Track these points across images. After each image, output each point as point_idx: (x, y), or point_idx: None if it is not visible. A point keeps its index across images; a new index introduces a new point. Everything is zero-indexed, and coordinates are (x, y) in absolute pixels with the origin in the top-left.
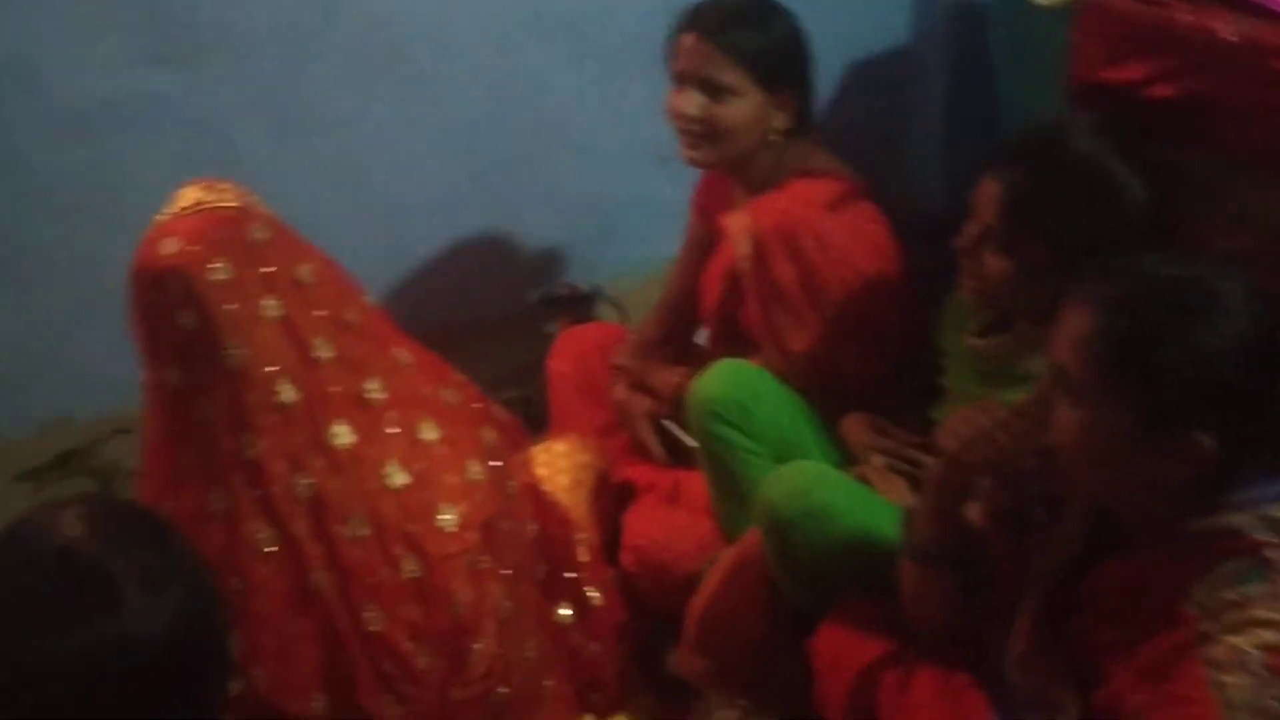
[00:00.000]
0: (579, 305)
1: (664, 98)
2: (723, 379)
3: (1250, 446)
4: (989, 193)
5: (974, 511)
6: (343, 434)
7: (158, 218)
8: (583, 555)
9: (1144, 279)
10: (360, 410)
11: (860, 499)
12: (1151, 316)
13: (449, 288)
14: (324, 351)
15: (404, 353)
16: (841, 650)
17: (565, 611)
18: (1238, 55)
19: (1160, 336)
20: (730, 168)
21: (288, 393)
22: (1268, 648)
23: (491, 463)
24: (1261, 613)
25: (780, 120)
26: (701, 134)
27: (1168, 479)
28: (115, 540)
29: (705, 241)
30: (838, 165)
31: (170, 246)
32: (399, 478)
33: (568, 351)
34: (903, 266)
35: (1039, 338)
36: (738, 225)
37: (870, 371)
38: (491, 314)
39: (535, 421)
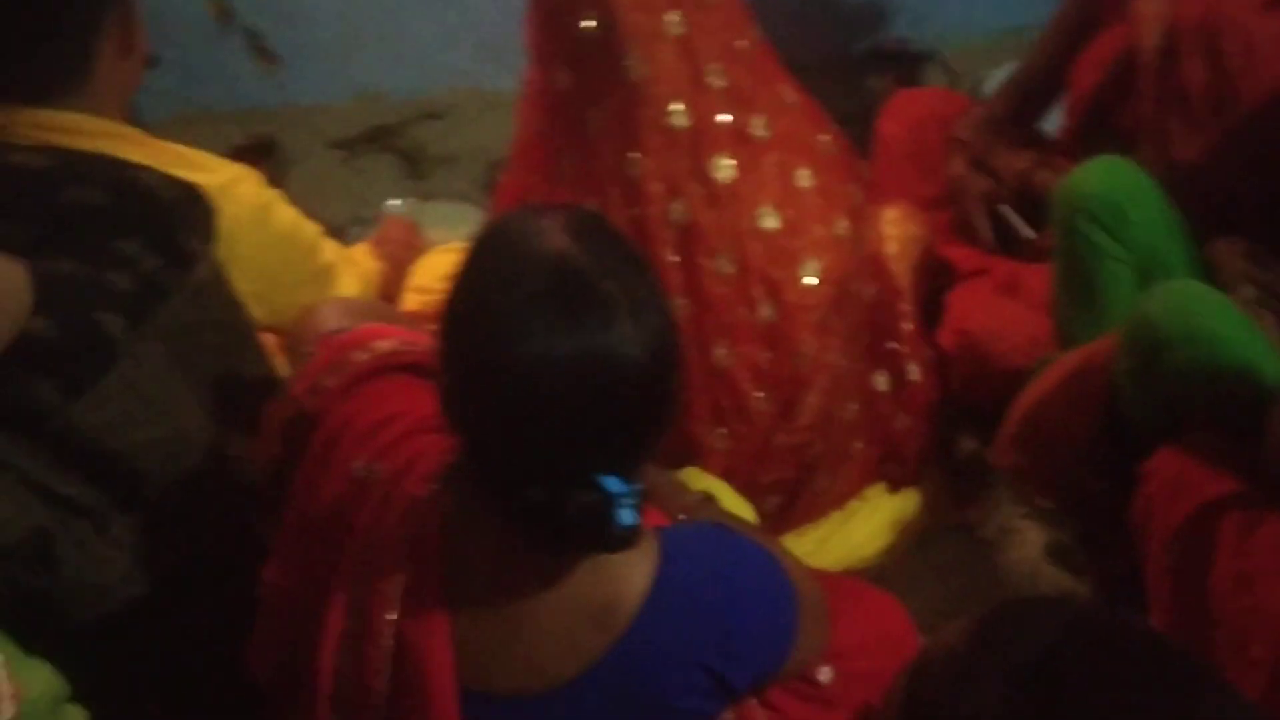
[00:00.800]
0: (908, 63)
1: None
2: (1103, 176)
3: None
4: None
5: None
6: (725, 167)
7: None
8: (906, 327)
9: None
10: (744, 145)
11: (1245, 331)
12: None
13: (773, 20)
14: (716, 79)
15: (789, 91)
16: (1184, 478)
17: (882, 380)
18: None
19: None
20: None
21: (679, 116)
22: None
23: (856, 221)
24: None
25: None
26: None
27: None
28: (605, 260)
29: (1085, 20)
30: None
31: None
32: (771, 220)
33: (903, 114)
34: None
35: None
36: (1151, 10)
37: (1263, 200)
38: (810, 58)
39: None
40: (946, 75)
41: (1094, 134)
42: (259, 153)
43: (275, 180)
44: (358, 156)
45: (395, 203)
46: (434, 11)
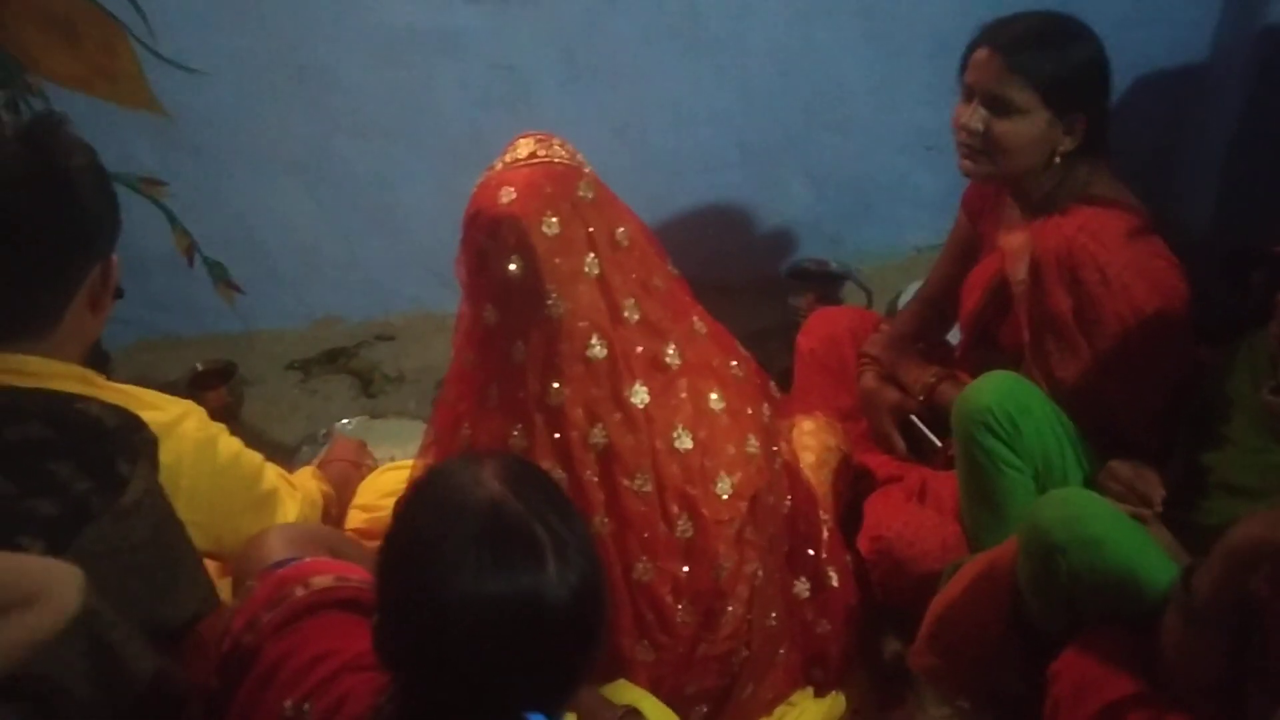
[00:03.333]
0: (827, 283)
1: (943, 89)
2: (997, 390)
3: None
4: None
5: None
6: (640, 393)
7: (494, 165)
8: (824, 535)
9: None
10: (658, 373)
11: (1129, 534)
12: None
13: (703, 246)
14: (632, 313)
15: (699, 322)
16: (1087, 680)
17: (803, 586)
18: None
19: None
20: (1006, 183)
21: (598, 348)
22: None
23: (766, 438)
24: None
25: (1067, 143)
26: (980, 149)
27: None
28: (535, 506)
29: (969, 244)
30: (1125, 194)
31: (508, 195)
32: (685, 441)
33: (819, 330)
34: (1187, 307)
35: None
36: (1016, 244)
37: (1139, 409)
38: (738, 278)
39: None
40: (863, 292)
41: (981, 347)
42: (218, 376)
43: (233, 403)
44: (313, 377)
45: (345, 422)
46: (387, 242)
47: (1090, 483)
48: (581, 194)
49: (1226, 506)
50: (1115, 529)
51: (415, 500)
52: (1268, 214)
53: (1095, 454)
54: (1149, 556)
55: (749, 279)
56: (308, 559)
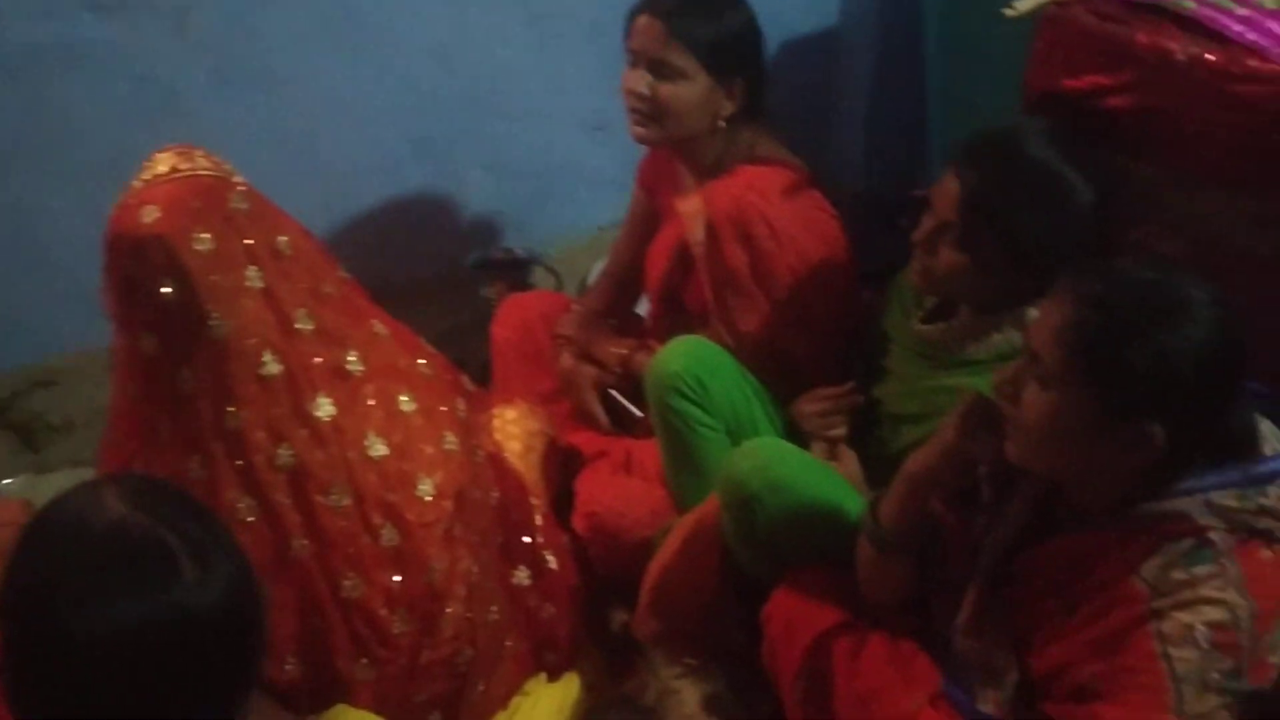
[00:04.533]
0: (515, 270)
1: (605, 69)
2: (683, 355)
3: (1197, 440)
4: (948, 191)
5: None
6: (324, 405)
7: (133, 184)
8: (538, 520)
9: (1123, 280)
10: (341, 382)
11: (817, 474)
12: (1124, 315)
13: (386, 247)
14: (305, 323)
15: (379, 324)
16: (795, 617)
17: (522, 574)
18: (1188, 74)
19: (1129, 334)
20: (676, 148)
21: (272, 364)
22: (1213, 624)
23: (464, 433)
24: (1208, 591)
25: (728, 107)
26: (648, 113)
27: (1119, 463)
28: (164, 516)
29: (649, 216)
30: (786, 153)
31: (151, 214)
32: (379, 448)
33: (512, 319)
34: (848, 253)
35: (982, 325)
36: (691, 208)
37: (814, 352)
38: (427, 275)
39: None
40: (552, 276)
41: (670, 314)
42: None
43: None
44: None
45: (7, 482)
46: (34, 279)
47: (781, 434)
48: (234, 205)
49: (900, 435)
50: (804, 472)
51: (30, 540)
52: (908, 163)
53: (780, 405)
54: (839, 493)
55: (438, 275)
56: None
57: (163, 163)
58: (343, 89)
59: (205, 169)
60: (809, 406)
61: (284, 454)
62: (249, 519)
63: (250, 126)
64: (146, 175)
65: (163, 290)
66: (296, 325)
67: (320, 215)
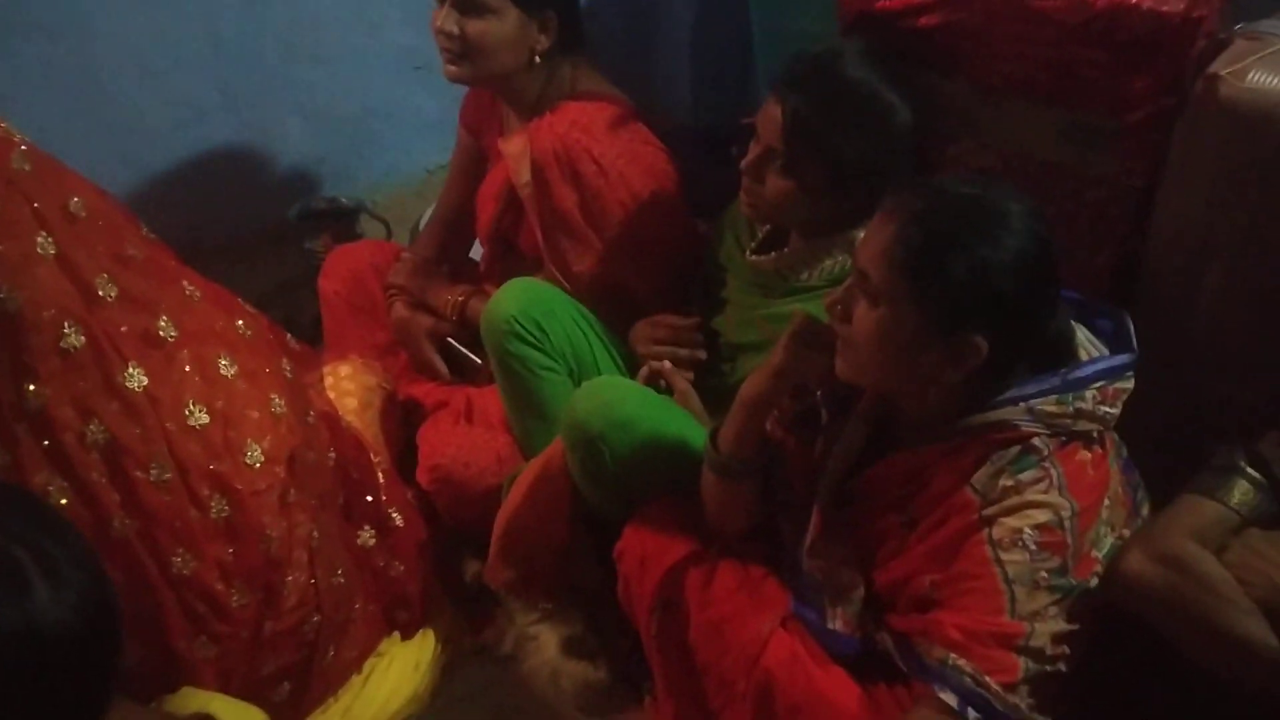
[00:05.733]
0: (341, 220)
1: (422, 6)
2: (518, 297)
3: (1019, 349)
4: (772, 116)
5: (769, 420)
6: (135, 376)
7: None
8: (380, 478)
9: (943, 196)
10: (152, 350)
11: (658, 408)
12: (945, 229)
13: (198, 205)
14: (107, 290)
15: (191, 286)
16: (646, 551)
17: (368, 534)
18: None
19: (950, 248)
20: (495, 86)
21: (73, 336)
22: (1039, 526)
23: (292, 394)
24: (1033, 495)
25: (543, 41)
26: (460, 52)
27: (946, 375)
28: (10, 528)
29: (475, 159)
30: (609, 87)
31: None
32: (200, 416)
33: (340, 270)
34: (679, 186)
35: (813, 251)
36: (515, 149)
37: (652, 288)
38: (246, 231)
39: (301, 342)
40: (380, 224)
41: (503, 257)
42: None
43: None
44: None
45: None
46: None
47: (623, 372)
48: (16, 166)
49: (740, 364)
50: (645, 407)
51: None
52: (737, 92)
53: (620, 341)
54: (682, 426)
55: (259, 231)
56: None
57: None
58: (140, 38)
59: None
60: (647, 330)
61: (95, 430)
62: (63, 501)
63: (36, 80)
64: None
65: None
66: (99, 293)
67: (119, 173)
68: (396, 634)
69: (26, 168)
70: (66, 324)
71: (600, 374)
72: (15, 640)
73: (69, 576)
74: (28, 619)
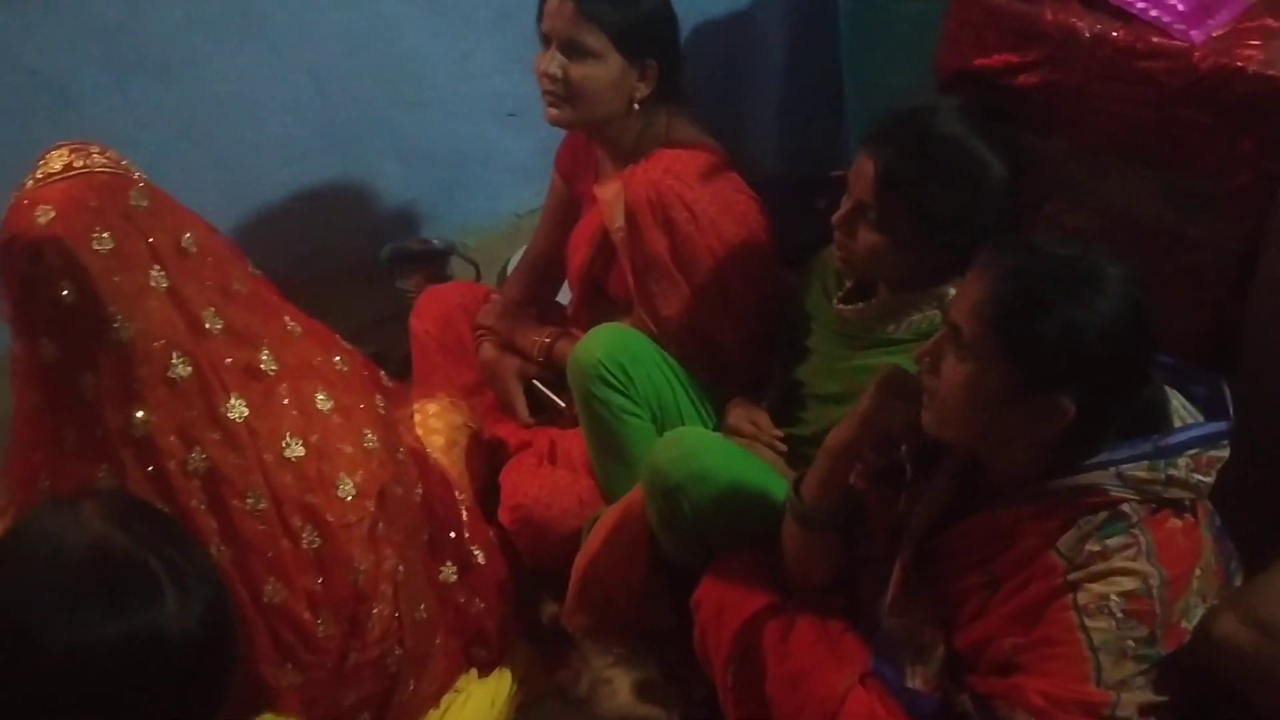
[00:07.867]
0: (432, 261)
1: (516, 54)
2: (605, 342)
3: (1108, 413)
4: (864, 171)
5: (853, 473)
6: (237, 407)
7: (25, 183)
8: (464, 515)
9: (1039, 255)
10: (253, 382)
11: (740, 462)
12: (1039, 288)
13: (295, 242)
14: (214, 323)
15: (292, 321)
16: (725, 602)
17: (450, 571)
18: (1094, 51)
19: (1042, 307)
20: (592, 132)
21: (180, 366)
22: (1127, 594)
23: (384, 430)
24: (1121, 562)
25: (642, 89)
26: (562, 95)
27: (1032, 434)
28: (145, 539)
29: (567, 204)
30: (704, 136)
31: (46, 215)
32: (296, 449)
33: (431, 311)
34: (769, 235)
35: (900, 304)
36: (610, 194)
37: (738, 336)
38: (339, 270)
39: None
40: (471, 266)
41: (592, 302)
42: None
43: None
44: None
45: None
46: None
47: (706, 418)
48: (134, 203)
49: (821, 415)
50: (725, 459)
51: (1, 556)
52: (825, 144)
53: (704, 389)
54: (762, 478)
55: (353, 269)
56: None
57: (57, 160)
58: (246, 79)
59: (102, 165)
60: (740, 412)
61: (197, 458)
62: None
63: (146, 119)
64: (40, 173)
65: (61, 294)
66: (206, 325)
67: (226, 211)
68: (474, 671)
69: (144, 204)
70: (174, 354)
71: (683, 422)
72: (143, 643)
73: (196, 589)
74: (156, 624)
